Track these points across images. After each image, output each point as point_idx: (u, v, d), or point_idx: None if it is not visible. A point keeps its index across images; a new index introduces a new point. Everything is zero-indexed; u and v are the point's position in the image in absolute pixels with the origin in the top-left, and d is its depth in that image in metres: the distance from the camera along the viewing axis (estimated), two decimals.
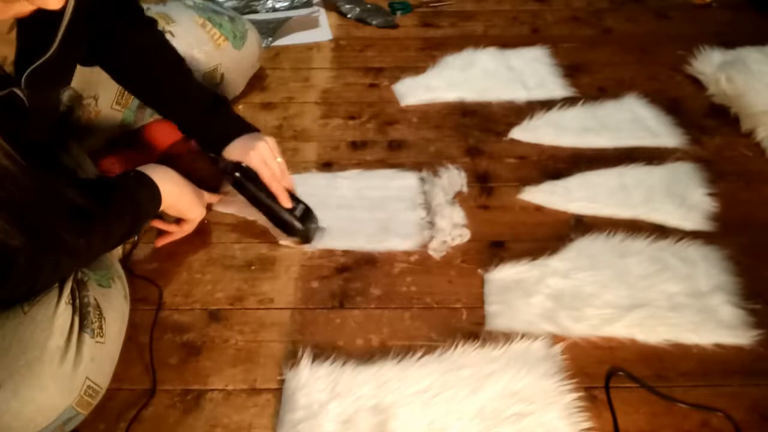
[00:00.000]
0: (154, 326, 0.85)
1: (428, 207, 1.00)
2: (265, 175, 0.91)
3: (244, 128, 0.94)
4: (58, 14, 0.68)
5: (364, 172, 1.09)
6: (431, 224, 0.98)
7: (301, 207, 0.95)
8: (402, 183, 1.06)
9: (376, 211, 1.01)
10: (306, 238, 0.96)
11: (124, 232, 0.82)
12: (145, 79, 0.92)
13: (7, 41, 0.66)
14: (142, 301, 0.89)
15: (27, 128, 0.68)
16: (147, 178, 0.85)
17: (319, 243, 0.96)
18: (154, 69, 0.92)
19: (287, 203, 0.93)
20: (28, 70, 0.67)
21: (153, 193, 0.85)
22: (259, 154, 0.90)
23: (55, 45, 0.69)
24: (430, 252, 0.95)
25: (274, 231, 0.97)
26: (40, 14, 0.57)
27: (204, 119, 0.92)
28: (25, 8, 0.56)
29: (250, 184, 0.92)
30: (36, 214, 0.62)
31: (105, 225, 0.77)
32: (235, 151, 0.92)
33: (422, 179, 1.06)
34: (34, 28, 0.66)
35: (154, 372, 0.80)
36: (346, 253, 0.95)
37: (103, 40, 0.86)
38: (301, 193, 0.97)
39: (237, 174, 0.91)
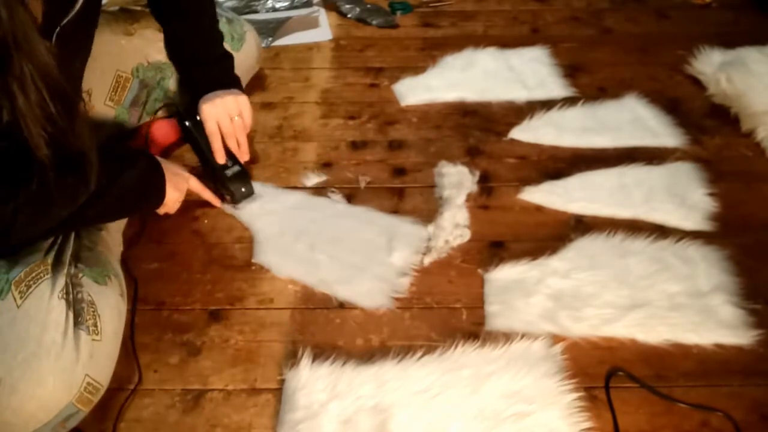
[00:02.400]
0: (135, 305, 0.86)
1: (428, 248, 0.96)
2: (207, 128, 0.97)
3: (223, 84, 1.00)
4: None
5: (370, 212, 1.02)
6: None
7: (235, 168, 0.99)
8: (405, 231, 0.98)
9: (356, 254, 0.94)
10: (231, 196, 1.00)
11: (117, 209, 0.85)
12: (173, 7, 1.01)
13: (35, 1, 0.66)
14: (141, 300, 0.89)
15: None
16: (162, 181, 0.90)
17: (284, 272, 0.92)
18: (182, 10, 1.00)
19: (220, 159, 0.98)
20: (57, 29, 0.69)
21: (160, 193, 0.89)
22: (213, 107, 0.96)
23: (80, 3, 0.71)
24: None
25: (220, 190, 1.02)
26: None
27: (203, 64, 1.01)
28: None
29: (194, 133, 0.99)
30: (74, 141, 0.64)
31: (117, 188, 0.81)
32: (203, 100, 0.98)
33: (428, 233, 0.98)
34: None
35: (137, 356, 0.82)
36: None
37: None
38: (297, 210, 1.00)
39: (186, 123, 0.98)
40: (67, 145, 0.63)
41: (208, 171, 1.01)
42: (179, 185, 0.94)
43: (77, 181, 0.70)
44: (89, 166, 0.69)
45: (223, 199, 1.01)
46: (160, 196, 0.90)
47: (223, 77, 1.01)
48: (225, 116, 0.98)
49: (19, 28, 0.55)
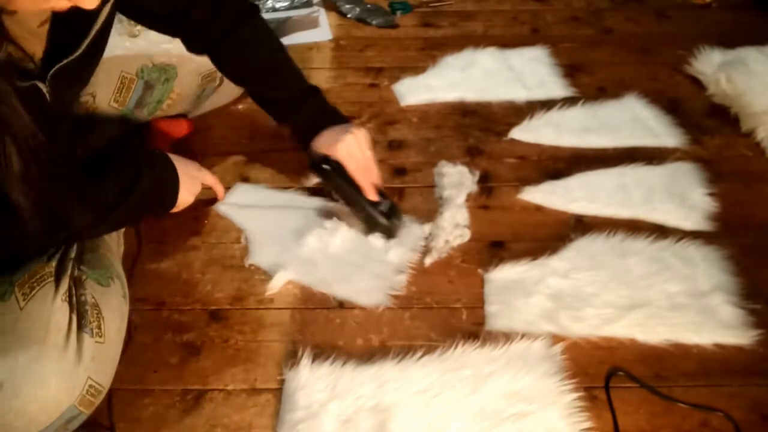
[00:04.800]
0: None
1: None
2: (351, 167, 0.90)
3: (335, 119, 0.95)
4: (92, 16, 0.69)
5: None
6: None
7: (386, 202, 0.94)
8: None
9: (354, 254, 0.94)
10: (389, 233, 0.94)
11: (133, 216, 0.85)
12: (245, 71, 0.98)
13: (38, 38, 0.66)
14: (142, 300, 0.89)
15: (46, 122, 0.68)
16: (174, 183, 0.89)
17: (281, 278, 0.91)
18: (252, 61, 0.96)
19: (373, 197, 0.92)
20: (55, 68, 0.68)
21: (174, 198, 0.89)
22: (347, 146, 0.90)
23: (84, 46, 0.70)
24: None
25: (360, 226, 0.96)
26: (74, 14, 0.58)
27: (295, 108, 0.95)
28: (61, 3, 0.57)
29: (337, 176, 0.92)
30: (56, 200, 0.65)
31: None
32: (323, 141, 0.92)
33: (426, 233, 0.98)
34: (66, 26, 0.67)
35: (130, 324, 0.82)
36: None
37: (200, 35, 0.93)
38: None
39: (324, 166, 0.91)
40: (48, 203, 0.64)
41: (359, 212, 0.94)
42: (192, 188, 0.93)
43: (54, 230, 0.70)
44: (68, 213, 0.69)
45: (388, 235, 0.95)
46: (173, 200, 0.90)
47: (329, 113, 0.97)
48: (360, 152, 0.92)
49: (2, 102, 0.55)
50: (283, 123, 1.00)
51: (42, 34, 0.67)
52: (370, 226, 0.95)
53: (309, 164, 0.96)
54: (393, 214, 0.94)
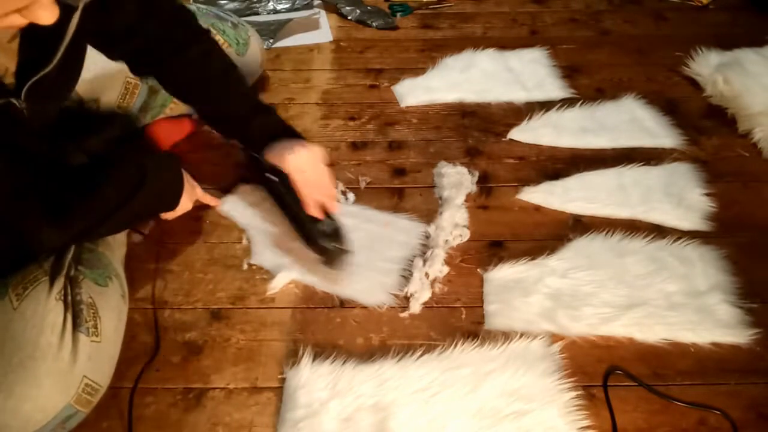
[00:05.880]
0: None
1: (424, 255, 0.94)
2: (298, 181, 0.88)
3: (288, 133, 0.91)
4: (61, 29, 0.67)
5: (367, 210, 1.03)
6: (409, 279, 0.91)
7: (330, 223, 0.89)
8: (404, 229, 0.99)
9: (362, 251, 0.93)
10: (327, 255, 0.89)
11: (137, 215, 0.85)
12: (191, 90, 0.92)
13: (10, 53, 0.66)
14: (142, 300, 0.89)
15: (24, 138, 0.68)
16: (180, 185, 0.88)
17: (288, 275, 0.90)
18: (203, 79, 0.90)
19: (316, 214, 0.88)
20: (29, 83, 0.67)
21: (177, 197, 0.88)
22: (296, 159, 0.87)
23: (56, 60, 0.68)
24: (411, 308, 0.88)
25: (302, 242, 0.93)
26: (42, 28, 0.57)
27: (245, 121, 0.90)
28: (18, 21, 0.56)
29: (281, 187, 0.88)
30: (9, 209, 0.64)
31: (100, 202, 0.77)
32: (274, 152, 0.89)
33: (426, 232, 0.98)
34: (36, 41, 0.66)
35: (158, 330, 0.83)
36: None
37: (149, 53, 0.87)
38: None
39: (269, 175, 0.88)
40: (11, 221, 0.64)
41: (298, 227, 0.92)
42: (193, 196, 0.94)
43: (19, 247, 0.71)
44: (34, 233, 0.69)
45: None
46: (174, 203, 0.90)
47: (282, 126, 0.92)
48: (310, 167, 0.88)
49: None
50: (235, 138, 0.96)
51: (12, 49, 0.66)
52: (307, 243, 0.90)
53: (257, 173, 0.93)
54: (335, 237, 0.88)
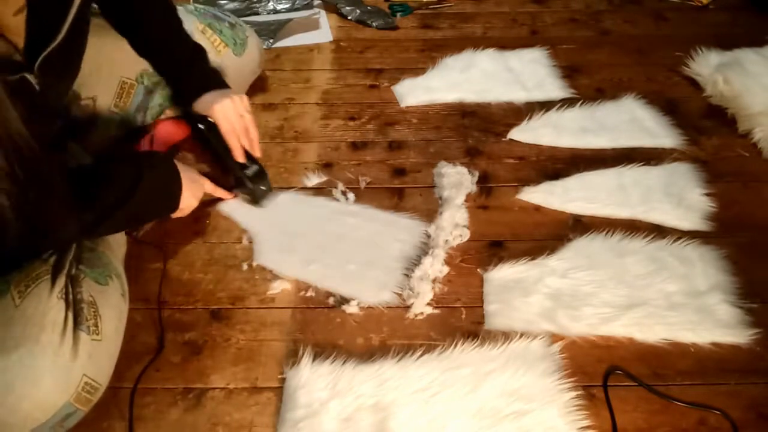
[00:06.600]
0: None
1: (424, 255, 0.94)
2: (224, 128, 0.96)
3: (215, 84, 0.98)
4: (67, 1, 0.69)
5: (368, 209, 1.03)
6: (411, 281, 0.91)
7: (254, 167, 0.99)
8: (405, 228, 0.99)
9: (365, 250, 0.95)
10: (252, 196, 1.00)
11: (133, 219, 0.87)
12: (135, 27, 0.97)
13: (16, 27, 0.66)
14: (143, 300, 0.89)
15: (36, 116, 0.68)
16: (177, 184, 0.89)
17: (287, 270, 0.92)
18: (144, 19, 0.96)
19: (240, 158, 0.98)
20: (41, 57, 0.68)
21: (175, 201, 0.89)
22: (222, 108, 0.95)
23: (64, 31, 0.70)
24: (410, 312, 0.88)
25: (243, 197, 1.01)
26: (49, 1, 0.58)
27: (179, 72, 0.98)
28: None
29: (211, 135, 0.97)
30: (36, 196, 0.63)
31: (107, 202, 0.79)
32: (202, 105, 0.97)
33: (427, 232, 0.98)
34: (42, 12, 0.67)
35: (162, 328, 0.84)
36: None
37: None
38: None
39: (200, 125, 0.97)
40: (31, 206, 0.63)
41: (226, 172, 1.01)
42: (197, 192, 0.94)
43: (36, 236, 0.70)
44: (51, 220, 0.69)
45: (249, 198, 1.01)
46: (175, 203, 0.90)
47: (214, 76, 1.00)
48: (236, 115, 0.97)
49: None
50: (170, 85, 1.03)
51: (20, 23, 0.66)
52: (236, 186, 1.00)
53: (187, 124, 1.03)
54: (259, 179, 0.99)
